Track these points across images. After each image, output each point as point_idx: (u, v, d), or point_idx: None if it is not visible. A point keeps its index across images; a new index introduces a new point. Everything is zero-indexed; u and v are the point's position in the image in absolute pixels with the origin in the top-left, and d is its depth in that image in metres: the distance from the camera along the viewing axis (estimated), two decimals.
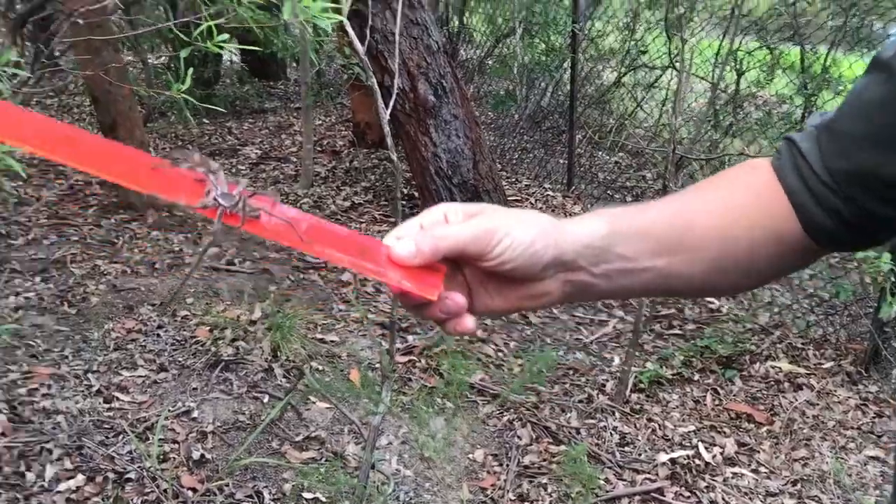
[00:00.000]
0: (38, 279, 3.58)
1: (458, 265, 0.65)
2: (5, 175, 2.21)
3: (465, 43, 8.10)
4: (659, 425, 2.93)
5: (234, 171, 5.43)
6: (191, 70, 1.72)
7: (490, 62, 7.83)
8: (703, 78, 5.34)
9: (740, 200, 0.71)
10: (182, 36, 1.96)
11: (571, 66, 5.32)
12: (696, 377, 3.25)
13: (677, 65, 5.66)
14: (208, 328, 3.19)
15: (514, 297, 0.66)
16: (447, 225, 0.64)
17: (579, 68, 5.56)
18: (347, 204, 4.91)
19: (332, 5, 2.19)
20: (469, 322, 0.64)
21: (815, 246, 0.70)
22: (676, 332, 3.68)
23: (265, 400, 2.83)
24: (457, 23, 8.21)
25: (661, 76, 6.03)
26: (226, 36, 1.59)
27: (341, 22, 2.12)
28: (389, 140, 2.19)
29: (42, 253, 3.86)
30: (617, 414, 2.97)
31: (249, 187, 0.62)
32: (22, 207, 4.53)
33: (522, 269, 0.63)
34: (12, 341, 3.00)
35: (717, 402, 3.10)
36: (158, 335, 3.17)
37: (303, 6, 1.92)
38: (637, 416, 2.97)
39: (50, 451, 2.43)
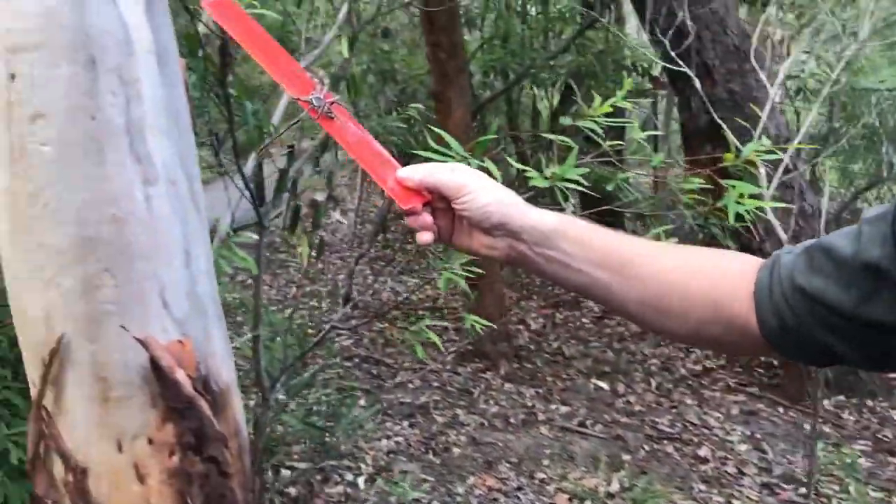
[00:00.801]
0: (405, 423, 3.81)
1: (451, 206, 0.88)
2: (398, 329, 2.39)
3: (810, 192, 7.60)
4: None
5: (577, 325, 5.48)
6: None
7: (846, 216, 7.25)
8: None
9: (705, 265, 0.82)
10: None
11: None
12: None
13: None
14: (567, 496, 3.13)
15: (476, 241, 0.89)
16: (443, 171, 0.87)
17: None
18: (699, 368, 4.67)
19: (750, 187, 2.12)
20: (425, 236, 0.88)
21: (762, 338, 0.76)
22: None
23: None
24: (808, 175, 7.76)
25: None
26: None
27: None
28: None
29: (408, 397, 4.11)
30: None
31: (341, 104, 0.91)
32: (387, 349, 4.92)
33: (475, 220, 0.86)
34: (385, 486, 3.17)
35: None
36: (518, 497, 3.16)
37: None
38: None
39: None
